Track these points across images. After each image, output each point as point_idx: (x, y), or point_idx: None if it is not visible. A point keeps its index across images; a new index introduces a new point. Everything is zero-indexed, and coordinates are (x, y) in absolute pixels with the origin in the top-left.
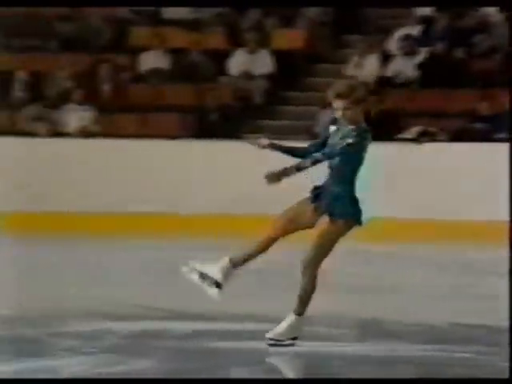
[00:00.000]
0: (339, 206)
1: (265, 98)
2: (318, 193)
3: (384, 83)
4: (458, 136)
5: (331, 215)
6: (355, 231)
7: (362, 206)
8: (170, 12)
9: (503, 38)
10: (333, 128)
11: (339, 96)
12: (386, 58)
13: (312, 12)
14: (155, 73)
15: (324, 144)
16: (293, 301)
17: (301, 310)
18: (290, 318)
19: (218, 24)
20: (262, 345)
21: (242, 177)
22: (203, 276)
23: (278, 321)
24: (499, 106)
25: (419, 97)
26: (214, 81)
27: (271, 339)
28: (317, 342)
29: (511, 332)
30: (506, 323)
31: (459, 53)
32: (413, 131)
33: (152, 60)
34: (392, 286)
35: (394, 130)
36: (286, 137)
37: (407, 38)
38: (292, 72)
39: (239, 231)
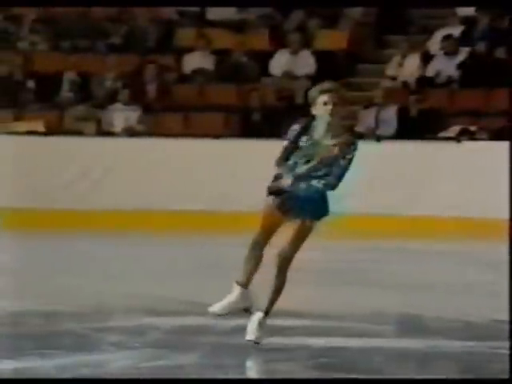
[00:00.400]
0: (313, 208)
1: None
2: (284, 197)
3: (425, 83)
4: (498, 135)
5: (305, 217)
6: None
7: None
8: (215, 13)
9: None
10: (316, 133)
11: (327, 91)
12: (428, 57)
13: (354, 13)
14: (200, 73)
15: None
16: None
17: (269, 308)
18: (257, 316)
19: (262, 25)
20: (310, 341)
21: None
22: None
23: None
24: None
25: (460, 96)
26: (258, 81)
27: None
28: (356, 337)
29: (511, 332)
30: None
31: (500, 53)
32: (453, 130)
33: (196, 60)
34: (431, 283)
35: (435, 129)
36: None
37: (448, 38)
38: (334, 72)
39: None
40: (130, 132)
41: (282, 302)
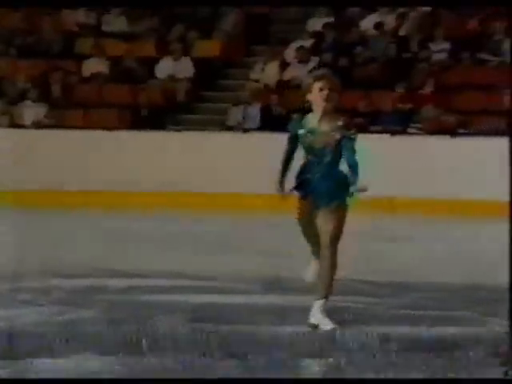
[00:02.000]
0: (340, 193)
1: (186, 96)
2: (308, 189)
3: (283, 85)
4: None
5: (337, 203)
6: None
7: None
8: (109, 25)
9: (380, 50)
10: (311, 122)
11: (322, 77)
12: (285, 65)
13: (226, 25)
14: (97, 76)
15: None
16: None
17: (328, 291)
18: (319, 304)
19: (149, 36)
20: (185, 297)
21: (165, 163)
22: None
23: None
24: (376, 104)
25: None
26: (145, 83)
27: (314, 326)
28: (226, 294)
29: (511, 332)
30: None
31: (343, 62)
32: None
33: (94, 65)
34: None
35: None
36: (203, 128)
37: (301, 48)
38: (209, 75)
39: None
40: (39, 125)
41: (165, 265)
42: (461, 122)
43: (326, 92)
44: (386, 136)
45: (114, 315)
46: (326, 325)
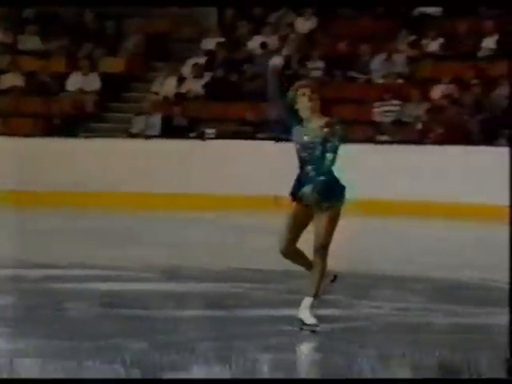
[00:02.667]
0: (332, 193)
1: (95, 107)
2: (300, 188)
3: (180, 97)
4: (236, 136)
5: (329, 203)
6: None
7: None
8: (24, 44)
9: (265, 67)
10: (299, 129)
11: (303, 85)
12: (182, 79)
13: (129, 45)
14: (14, 89)
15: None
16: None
17: (318, 291)
18: (308, 301)
19: (60, 53)
20: (95, 286)
21: (76, 165)
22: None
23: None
24: (263, 114)
25: (205, 107)
26: (57, 95)
27: (305, 325)
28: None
29: (511, 332)
30: None
31: (233, 77)
32: (207, 132)
33: (11, 79)
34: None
35: (191, 131)
36: (110, 135)
37: (196, 65)
38: (114, 88)
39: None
40: None
41: (80, 258)
42: None
43: (308, 93)
44: (270, 142)
45: (31, 302)
46: (310, 321)
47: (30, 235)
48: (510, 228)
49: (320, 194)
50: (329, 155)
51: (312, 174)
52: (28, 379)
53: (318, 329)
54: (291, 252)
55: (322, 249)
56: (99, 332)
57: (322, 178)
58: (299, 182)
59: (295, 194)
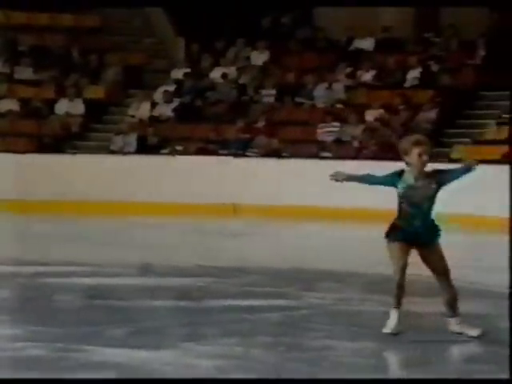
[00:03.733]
0: (435, 234)
1: (80, 128)
2: (407, 234)
3: (153, 120)
4: (201, 153)
5: (437, 240)
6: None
7: None
8: (20, 74)
9: (225, 94)
10: (409, 179)
11: (419, 143)
12: (154, 104)
13: (110, 75)
14: (10, 113)
15: (385, 182)
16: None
17: (458, 312)
18: (457, 320)
19: (50, 82)
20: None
21: (63, 177)
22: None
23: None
24: (223, 134)
25: (175, 128)
26: (48, 118)
27: (472, 337)
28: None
29: (511, 332)
30: None
31: (198, 102)
32: (176, 149)
33: (8, 104)
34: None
35: (162, 148)
36: (93, 151)
37: (166, 92)
38: (97, 112)
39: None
40: None
41: (68, 255)
42: (285, 148)
43: (425, 158)
44: (230, 158)
45: (25, 294)
46: (472, 331)
47: (25, 238)
48: (509, 237)
49: (438, 236)
50: (433, 205)
51: (418, 224)
52: (28, 379)
53: (479, 333)
54: (404, 282)
55: (447, 272)
56: (85, 319)
57: (435, 226)
58: (401, 228)
59: (398, 238)
